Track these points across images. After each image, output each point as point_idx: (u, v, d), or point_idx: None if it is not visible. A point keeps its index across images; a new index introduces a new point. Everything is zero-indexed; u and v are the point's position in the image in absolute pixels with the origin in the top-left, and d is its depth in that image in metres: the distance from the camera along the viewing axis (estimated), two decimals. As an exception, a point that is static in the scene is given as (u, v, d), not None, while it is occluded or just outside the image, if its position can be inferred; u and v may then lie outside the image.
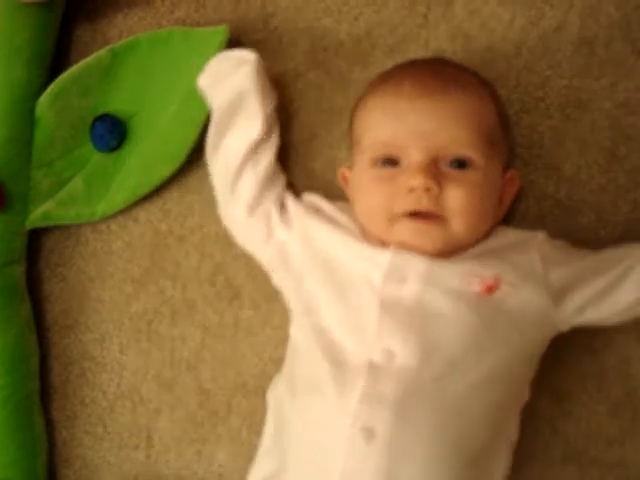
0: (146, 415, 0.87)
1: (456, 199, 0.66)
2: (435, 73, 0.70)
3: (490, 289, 0.66)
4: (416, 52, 0.81)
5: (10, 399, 0.83)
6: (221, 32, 0.79)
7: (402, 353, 0.64)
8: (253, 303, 0.84)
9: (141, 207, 0.87)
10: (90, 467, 0.89)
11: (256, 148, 0.75)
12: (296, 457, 0.68)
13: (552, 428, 0.79)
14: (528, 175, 0.79)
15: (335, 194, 0.78)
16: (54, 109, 0.83)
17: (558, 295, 0.68)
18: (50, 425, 0.88)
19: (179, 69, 0.82)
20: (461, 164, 0.67)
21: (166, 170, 0.83)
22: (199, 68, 0.78)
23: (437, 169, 0.66)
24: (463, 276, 0.66)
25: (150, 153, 0.84)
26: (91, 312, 0.88)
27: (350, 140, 0.76)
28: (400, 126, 0.68)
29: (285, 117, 0.82)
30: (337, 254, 0.71)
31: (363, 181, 0.71)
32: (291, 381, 0.71)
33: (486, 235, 0.71)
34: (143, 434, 0.87)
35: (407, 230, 0.67)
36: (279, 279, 0.77)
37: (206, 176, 0.80)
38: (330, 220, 0.74)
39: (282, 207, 0.76)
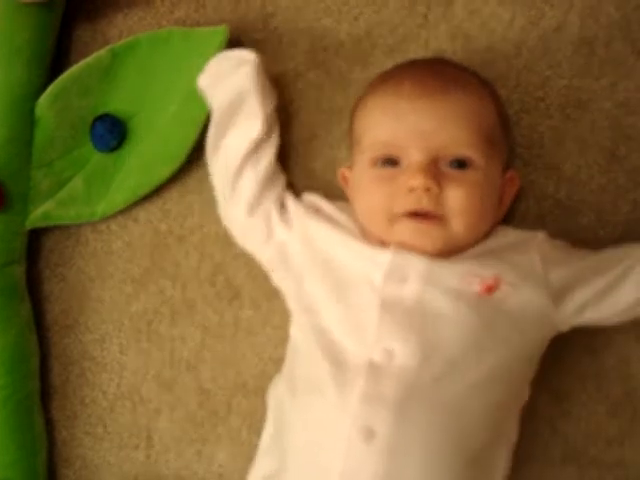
0: (146, 415, 0.87)
1: (456, 199, 0.66)
2: (435, 73, 0.70)
3: (490, 289, 0.66)
4: (416, 52, 0.81)
5: (10, 399, 0.83)
6: (221, 32, 0.79)
7: (402, 353, 0.64)
8: (253, 303, 0.84)
9: (141, 207, 0.86)
10: (90, 467, 0.89)
11: (256, 148, 0.75)
12: (296, 457, 0.68)
13: (552, 428, 0.79)
14: (528, 175, 0.79)
15: (335, 194, 0.78)
16: (54, 109, 0.83)
17: (558, 295, 0.68)
18: (50, 425, 0.88)
19: (179, 69, 0.82)
20: (461, 164, 0.67)
21: (166, 170, 0.83)
22: (199, 68, 0.78)
23: (437, 169, 0.66)
24: (463, 276, 0.66)
25: (150, 153, 0.84)
26: (91, 312, 0.88)
27: (350, 140, 0.76)
28: (400, 126, 0.68)
29: (285, 117, 0.82)
30: (337, 254, 0.71)
31: (363, 181, 0.71)
32: (291, 381, 0.71)
33: (486, 235, 0.71)
34: (143, 434, 0.87)
35: (407, 230, 0.67)
36: (279, 279, 0.77)
37: (206, 176, 0.80)
38: (330, 220, 0.74)
39: (282, 207, 0.76)
